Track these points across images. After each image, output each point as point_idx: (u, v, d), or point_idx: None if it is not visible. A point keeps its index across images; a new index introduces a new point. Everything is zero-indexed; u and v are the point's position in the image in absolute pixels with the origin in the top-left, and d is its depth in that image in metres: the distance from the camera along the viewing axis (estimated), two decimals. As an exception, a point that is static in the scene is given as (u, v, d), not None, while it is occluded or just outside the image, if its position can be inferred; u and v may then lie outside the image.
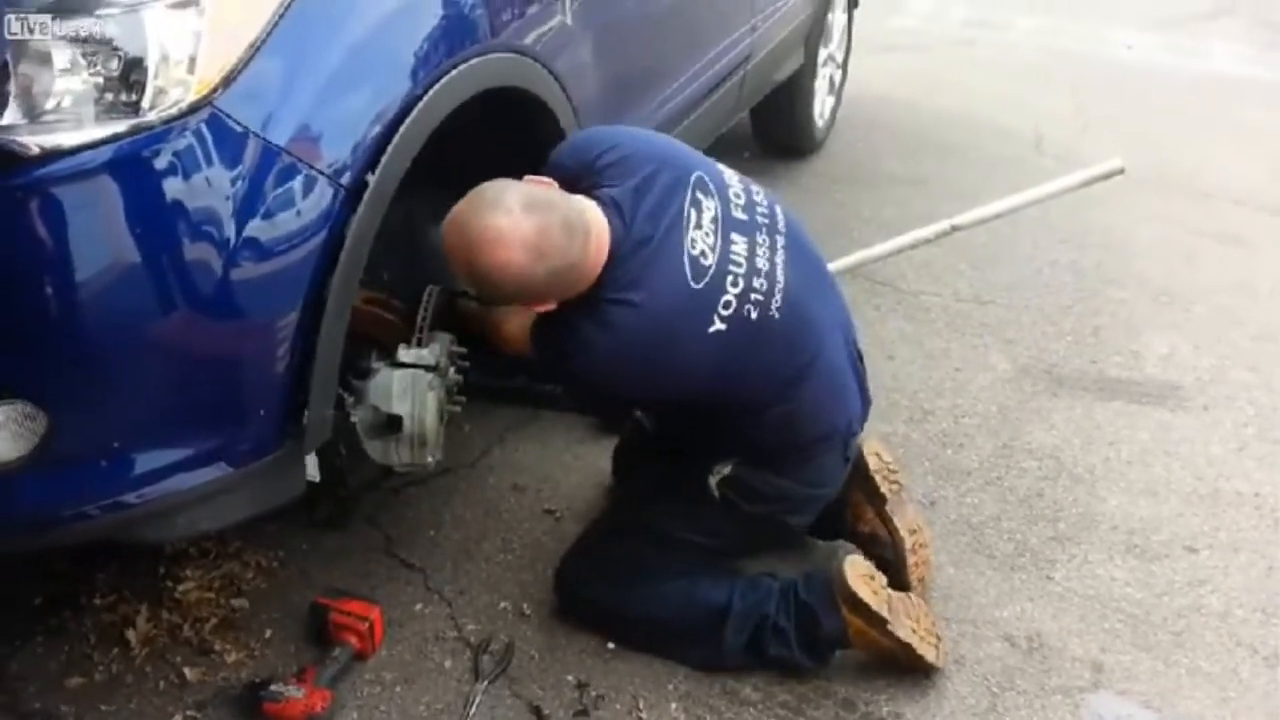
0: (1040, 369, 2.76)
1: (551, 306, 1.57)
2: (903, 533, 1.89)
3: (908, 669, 1.77)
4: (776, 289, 1.65)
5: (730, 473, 1.75)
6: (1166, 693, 1.79)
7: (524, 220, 1.47)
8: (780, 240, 1.70)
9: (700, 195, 1.63)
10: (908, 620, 1.75)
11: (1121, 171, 2.54)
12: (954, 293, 3.14)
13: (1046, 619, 1.93)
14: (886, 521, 1.90)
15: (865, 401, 1.88)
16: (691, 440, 1.80)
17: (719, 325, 1.58)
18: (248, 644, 1.78)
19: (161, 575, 1.87)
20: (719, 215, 1.63)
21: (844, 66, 4.38)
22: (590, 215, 1.55)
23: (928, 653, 1.74)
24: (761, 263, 1.64)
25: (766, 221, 1.70)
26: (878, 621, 1.72)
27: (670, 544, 1.79)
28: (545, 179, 1.58)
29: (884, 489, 1.91)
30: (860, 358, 1.88)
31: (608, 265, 1.55)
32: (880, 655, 1.76)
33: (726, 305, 1.59)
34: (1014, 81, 5.42)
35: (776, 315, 1.64)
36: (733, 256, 1.61)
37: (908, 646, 1.73)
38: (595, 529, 1.92)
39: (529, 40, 1.77)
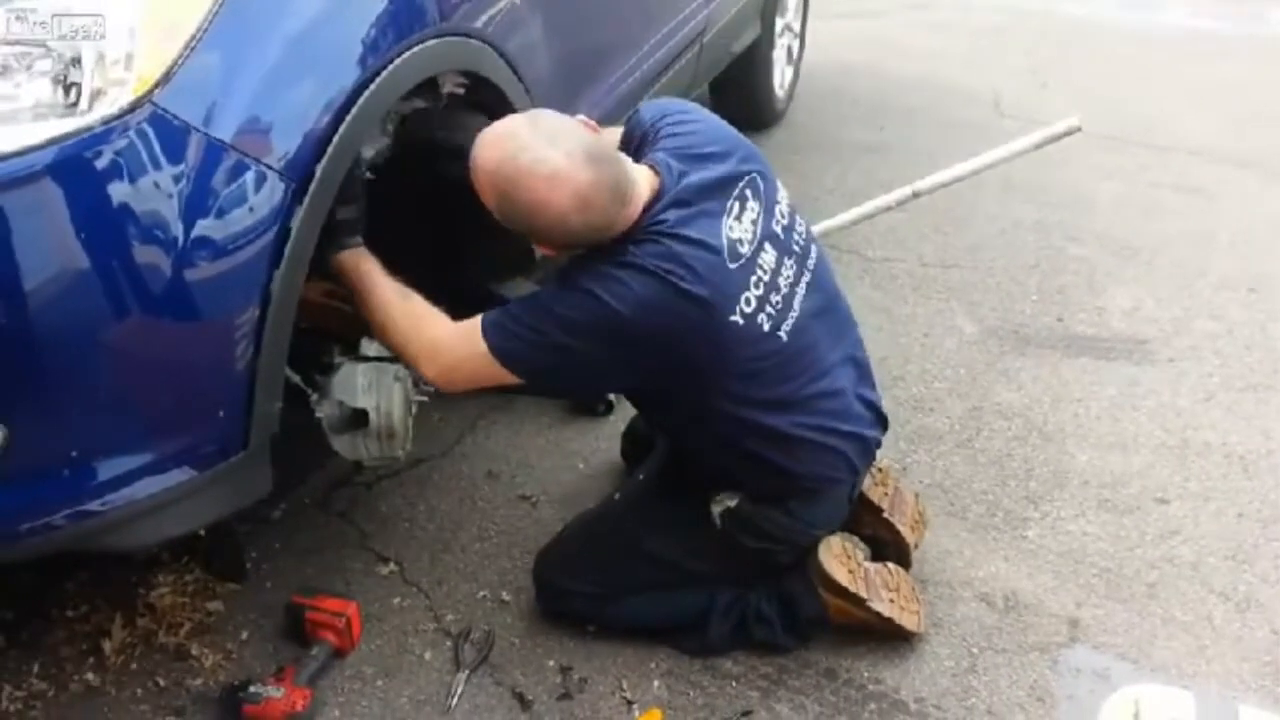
0: (1007, 329, 2.78)
1: (552, 253, 1.56)
2: (905, 532, 1.88)
3: (887, 636, 1.78)
4: (789, 314, 1.60)
5: (735, 506, 1.70)
6: (1142, 643, 1.81)
7: (582, 169, 1.43)
8: (806, 275, 1.66)
9: (749, 193, 1.60)
10: (886, 593, 1.76)
11: (1079, 129, 2.55)
12: (919, 257, 3.15)
13: (1022, 577, 1.95)
14: (888, 527, 1.88)
15: (875, 443, 1.79)
16: (702, 462, 1.74)
17: (737, 317, 1.52)
18: (224, 647, 1.76)
19: (134, 582, 1.85)
20: (760, 220, 1.60)
21: (801, 36, 4.36)
22: (638, 184, 1.52)
23: (908, 621, 1.76)
24: (783, 283, 1.60)
25: (799, 250, 1.67)
26: (856, 600, 1.73)
27: (657, 565, 1.76)
28: (591, 123, 1.55)
29: (878, 501, 1.88)
30: (876, 407, 1.80)
31: (641, 219, 1.50)
32: (861, 626, 1.77)
33: (748, 302, 1.54)
34: (971, 43, 5.43)
35: (784, 338, 1.59)
36: (761, 263, 1.57)
37: (887, 620, 1.74)
38: (578, 535, 1.85)
39: (479, 23, 1.74)
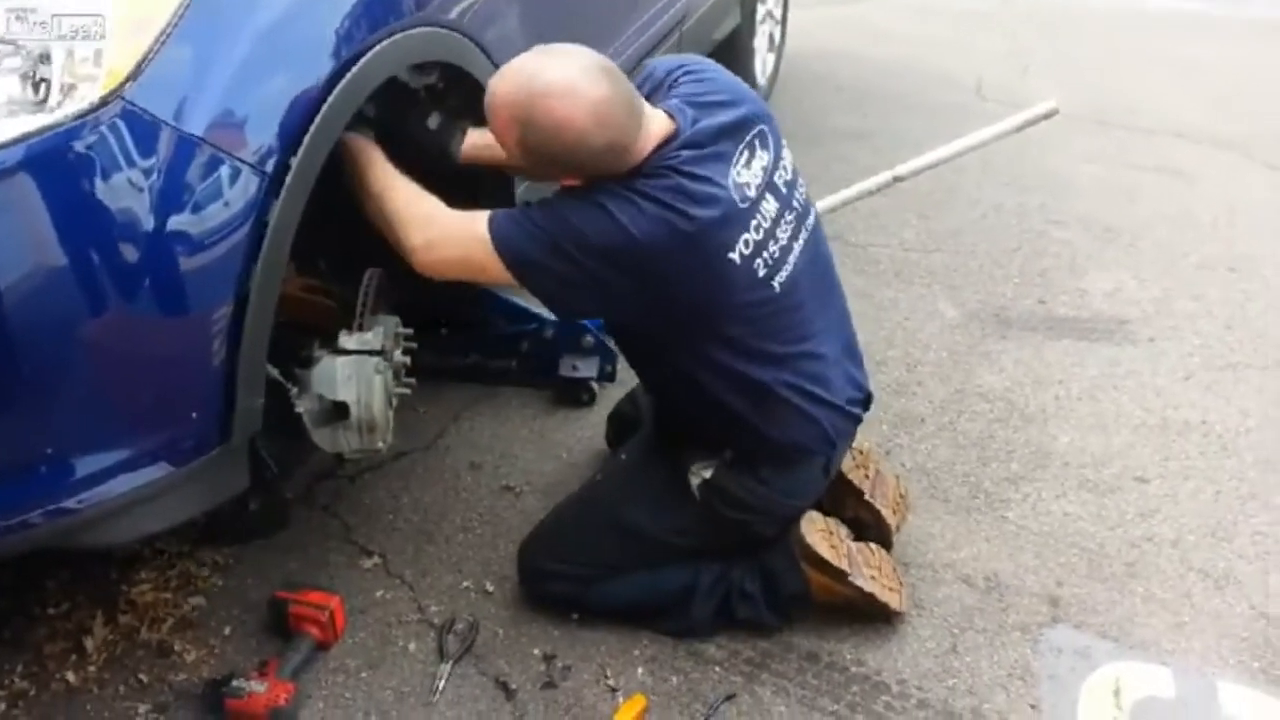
0: (989, 312, 2.79)
1: (577, 183, 1.56)
2: (886, 514, 1.89)
3: (870, 617, 1.79)
4: (784, 266, 1.63)
5: (712, 476, 1.72)
6: (1122, 622, 1.83)
7: (599, 83, 1.47)
8: (803, 234, 1.68)
9: (757, 143, 1.63)
10: (868, 570, 1.77)
11: (1056, 112, 2.55)
12: (901, 242, 3.16)
13: (1003, 558, 1.96)
14: (870, 509, 1.89)
15: (855, 419, 1.80)
16: (682, 421, 1.77)
17: (734, 256, 1.55)
18: (207, 642, 1.76)
19: (115, 579, 1.84)
20: (767, 169, 1.63)
21: (783, 22, 4.37)
22: (650, 110, 1.56)
23: (890, 600, 1.77)
24: (781, 235, 1.63)
25: (799, 209, 1.69)
26: (838, 575, 1.74)
27: (640, 540, 1.77)
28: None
29: (859, 484, 1.90)
30: (860, 384, 1.82)
31: (652, 156, 1.53)
32: (843, 604, 1.78)
33: (746, 244, 1.56)
34: (953, 26, 5.44)
35: (776, 288, 1.62)
36: (762, 210, 1.60)
37: (870, 596, 1.75)
38: (561, 516, 1.86)
39: (454, 14, 1.74)
